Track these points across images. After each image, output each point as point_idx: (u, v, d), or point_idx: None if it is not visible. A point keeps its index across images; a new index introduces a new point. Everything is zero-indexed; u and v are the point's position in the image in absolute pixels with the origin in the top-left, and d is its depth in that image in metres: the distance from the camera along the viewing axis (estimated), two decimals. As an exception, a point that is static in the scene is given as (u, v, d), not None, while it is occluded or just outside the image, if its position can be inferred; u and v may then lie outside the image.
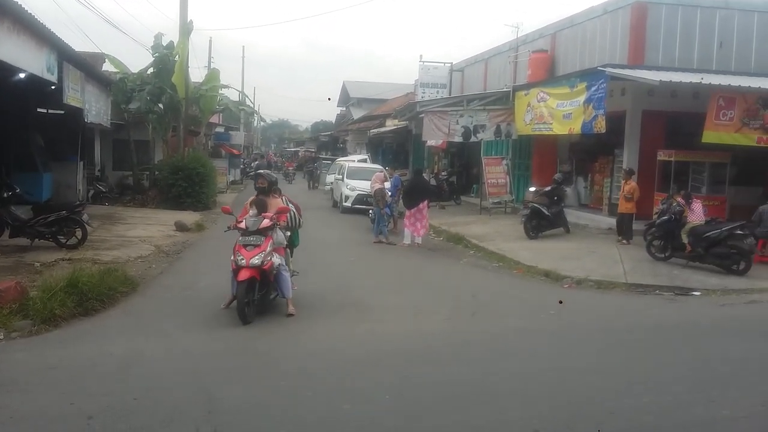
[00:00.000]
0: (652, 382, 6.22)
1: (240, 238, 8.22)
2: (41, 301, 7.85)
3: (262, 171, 9.41)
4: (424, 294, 10.32)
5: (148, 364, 6.42)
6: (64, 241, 12.51)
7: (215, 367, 6.45)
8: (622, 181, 15.00)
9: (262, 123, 74.86)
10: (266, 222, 8.24)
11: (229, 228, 8.71)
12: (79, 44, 15.78)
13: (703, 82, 13.68)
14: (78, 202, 13.97)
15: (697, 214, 12.37)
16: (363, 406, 5.46)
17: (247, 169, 40.11)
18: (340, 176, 24.17)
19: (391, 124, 33.91)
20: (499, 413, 5.36)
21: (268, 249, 8.08)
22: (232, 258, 8.11)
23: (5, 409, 5.19)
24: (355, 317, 8.59)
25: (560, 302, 9.28)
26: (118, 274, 9.63)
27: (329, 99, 26.22)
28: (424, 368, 6.54)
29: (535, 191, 16.70)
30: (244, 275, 7.84)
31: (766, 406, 5.71)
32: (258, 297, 8.14)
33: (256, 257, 7.94)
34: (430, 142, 24.39)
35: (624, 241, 14.47)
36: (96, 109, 16.52)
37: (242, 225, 8.27)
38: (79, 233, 12.67)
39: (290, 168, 44.63)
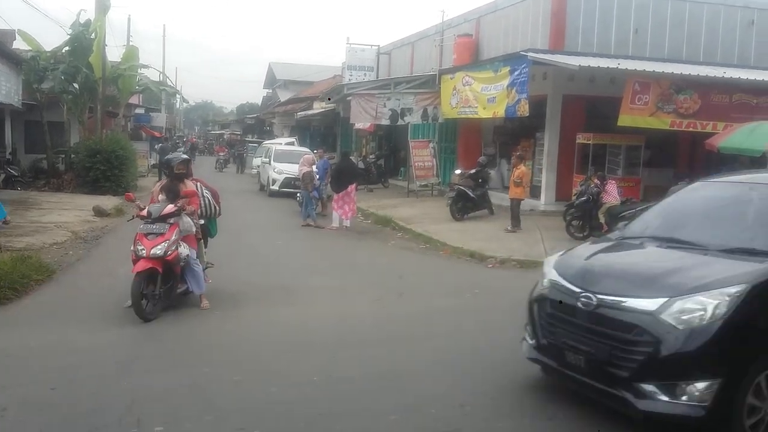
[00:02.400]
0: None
1: (141, 226, 7.53)
2: (-52, 291, 7.45)
3: (170, 156, 8.57)
4: (352, 276, 10.35)
5: (66, 355, 6.18)
6: (-28, 227, 11.86)
7: (137, 356, 6.28)
8: (513, 167, 14.75)
9: (185, 104, 72.74)
10: (170, 208, 7.56)
11: (133, 217, 8.08)
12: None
13: (620, 67, 14.20)
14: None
15: (611, 194, 12.86)
16: (292, 389, 5.44)
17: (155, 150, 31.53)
18: (267, 159, 23.85)
19: (318, 107, 33.65)
20: (425, 390, 5.45)
21: (173, 238, 7.41)
22: (132, 248, 7.49)
23: None
24: (282, 301, 8.53)
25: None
26: (32, 261, 9.23)
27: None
28: (353, 349, 6.57)
29: (461, 174, 16.96)
30: (141, 266, 7.19)
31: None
32: (161, 291, 7.44)
33: (159, 247, 7.27)
34: (358, 125, 24.40)
35: (513, 229, 13.97)
36: (6, 88, 15.70)
37: (144, 212, 7.60)
38: (-11, 220, 12.06)
39: (221, 153, 39.64)
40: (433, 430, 4.72)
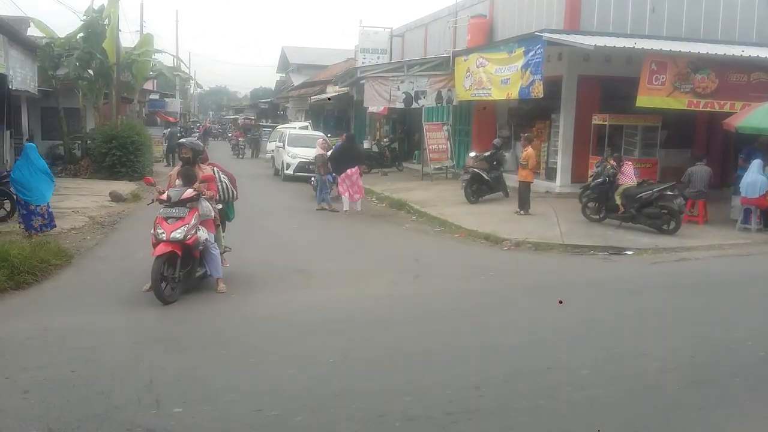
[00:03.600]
0: (587, 338, 6.46)
1: (161, 210, 7.60)
2: (-31, 275, 7.56)
3: (185, 140, 8.72)
4: (367, 259, 10.37)
5: (85, 337, 6.26)
6: (-9, 213, 11.99)
7: (155, 338, 6.36)
8: (522, 149, 14.61)
9: (199, 90, 72.92)
10: (189, 192, 7.59)
11: (152, 201, 8.18)
12: (1, 8, 14.97)
13: (636, 46, 14.00)
14: (5, 173, 13.38)
15: (628, 175, 12.74)
16: (308, 371, 5.48)
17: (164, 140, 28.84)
18: (281, 144, 23.85)
19: (332, 91, 33.55)
20: (442, 372, 5.47)
21: (193, 222, 7.47)
22: (152, 232, 7.56)
23: (-67, 387, 5.01)
24: (297, 283, 8.58)
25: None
26: (51, 246, 9.33)
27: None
28: (368, 331, 6.60)
29: (475, 156, 16.86)
30: (161, 250, 7.26)
31: (694, 357, 6.00)
32: (181, 274, 7.53)
33: (179, 230, 7.33)
34: (372, 109, 24.30)
35: (522, 212, 13.85)
36: (21, 75, 15.76)
37: (163, 196, 7.67)
38: (7, 205, 12.19)
39: (240, 138, 37.08)
40: (448, 411, 4.73)
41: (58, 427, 4.37)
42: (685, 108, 14.09)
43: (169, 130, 29.87)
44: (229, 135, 46.84)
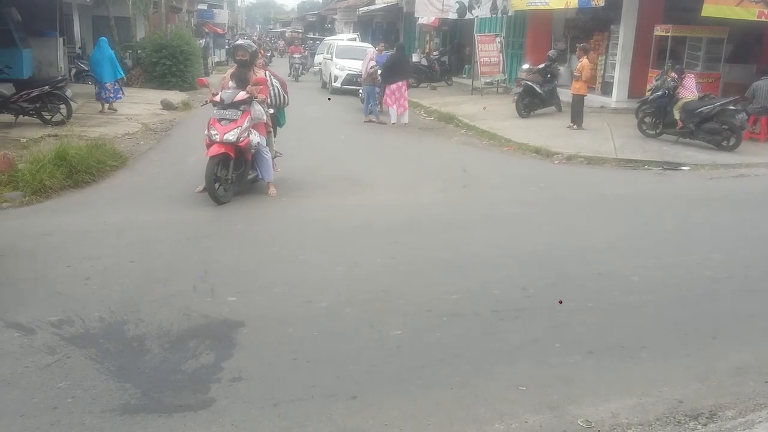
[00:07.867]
0: (638, 247, 6.37)
1: (214, 112, 7.61)
2: (30, 173, 7.83)
3: (242, 41, 8.65)
4: (415, 169, 10.32)
5: (142, 231, 6.47)
6: (48, 117, 12.27)
7: (209, 235, 6.52)
8: (578, 60, 14.00)
9: (246, 1, 71.95)
10: (242, 94, 7.59)
11: (206, 102, 8.28)
12: None
13: (707, -49, 13.11)
14: (60, 77, 13.58)
15: (689, 89, 12.19)
16: (356, 269, 5.58)
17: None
18: (329, 56, 23.50)
19: (381, 2, 32.67)
20: (487, 274, 5.50)
21: (245, 125, 7.50)
22: (205, 133, 7.62)
23: (2, 272, 5.27)
24: (345, 190, 8.62)
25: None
26: (107, 149, 9.55)
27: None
28: (415, 235, 6.63)
29: (528, 69, 16.30)
30: (215, 150, 7.34)
31: (749, 267, 5.87)
32: (234, 176, 7.65)
33: (231, 132, 7.38)
34: (422, 20, 23.64)
35: (574, 127, 13.56)
36: (72, -19, 15.75)
37: (217, 98, 7.68)
38: (63, 110, 12.43)
39: (296, 55, 28.92)
40: (495, 309, 4.78)
41: (119, 310, 4.58)
42: (755, 19, 13.26)
43: (205, 39, 29.70)
44: (268, 54, 42.95)
